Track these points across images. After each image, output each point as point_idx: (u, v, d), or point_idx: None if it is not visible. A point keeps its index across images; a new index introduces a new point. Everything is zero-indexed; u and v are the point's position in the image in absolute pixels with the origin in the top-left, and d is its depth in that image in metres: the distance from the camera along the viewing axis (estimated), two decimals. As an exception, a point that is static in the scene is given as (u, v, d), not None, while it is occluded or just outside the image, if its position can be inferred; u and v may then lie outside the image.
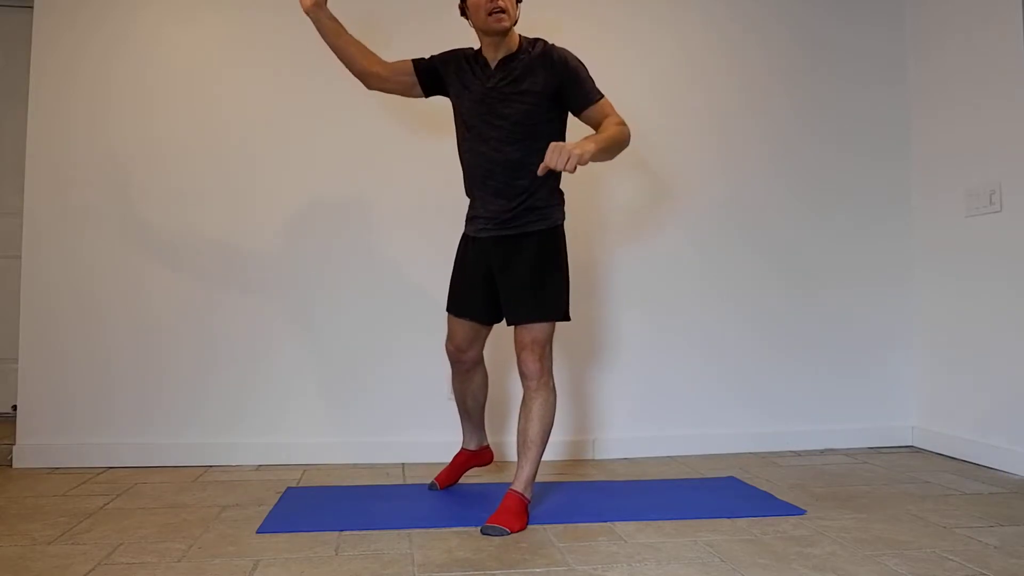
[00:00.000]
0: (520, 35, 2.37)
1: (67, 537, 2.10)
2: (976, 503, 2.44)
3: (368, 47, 2.45)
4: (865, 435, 3.33)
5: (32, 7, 3.04)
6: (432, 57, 2.45)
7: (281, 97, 3.11)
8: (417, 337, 3.05)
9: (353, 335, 3.09)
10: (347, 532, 2.15)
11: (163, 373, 3.02)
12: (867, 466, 2.98)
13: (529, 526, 2.20)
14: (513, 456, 2.49)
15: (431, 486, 2.63)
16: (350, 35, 2.43)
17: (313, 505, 2.43)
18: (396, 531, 2.16)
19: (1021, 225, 2.85)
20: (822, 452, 3.25)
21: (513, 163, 2.30)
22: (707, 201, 3.31)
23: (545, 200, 2.34)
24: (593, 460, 3.13)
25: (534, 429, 2.28)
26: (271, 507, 2.40)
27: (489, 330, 2.52)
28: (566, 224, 2.42)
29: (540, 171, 2.15)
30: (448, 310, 2.50)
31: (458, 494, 2.59)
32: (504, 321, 2.39)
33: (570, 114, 2.39)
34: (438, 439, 2.96)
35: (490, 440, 2.78)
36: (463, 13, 2.37)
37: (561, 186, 2.39)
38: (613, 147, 2.26)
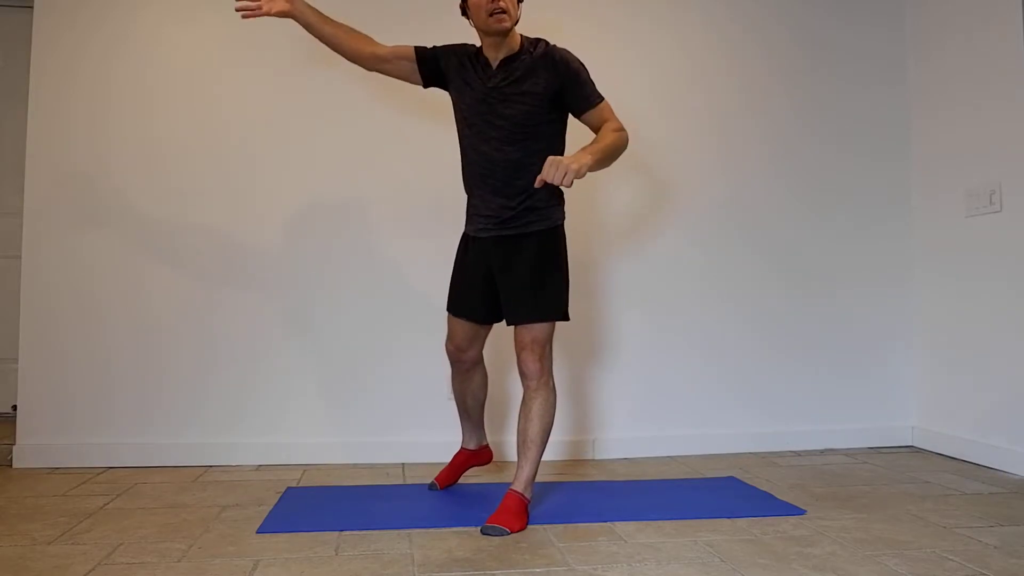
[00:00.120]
0: (521, 35, 2.37)
1: (67, 537, 2.10)
2: (976, 503, 2.44)
3: (358, 30, 2.44)
4: (865, 435, 3.33)
5: (32, 7, 3.04)
6: (435, 48, 2.44)
7: (281, 97, 3.11)
8: (417, 337, 3.05)
9: (353, 335, 3.09)
10: (347, 532, 2.15)
11: (163, 373, 3.02)
12: (867, 466, 2.98)
13: (529, 526, 2.20)
14: (513, 456, 2.49)
15: (431, 486, 2.63)
16: (335, 22, 2.42)
17: (313, 505, 2.43)
18: (396, 531, 2.16)
19: (1021, 225, 2.85)
20: (822, 452, 3.25)
21: (513, 163, 2.30)
22: (707, 201, 3.31)
23: (545, 200, 2.34)
24: (593, 460, 3.13)
25: (534, 429, 2.28)
26: (271, 507, 2.40)
27: (489, 330, 2.52)
28: (566, 224, 2.42)
29: (537, 184, 2.17)
30: (448, 310, 2.50)
31: (458, 494, 2.59)
32: (504, 321, 2.39)
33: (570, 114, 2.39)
34: (438, 439, 2.96)
35: (490, 440, 2.79)
36: (464, 13, 2.37)
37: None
38: (610, 156, 2.28)
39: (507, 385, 3.07)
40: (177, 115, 3.07)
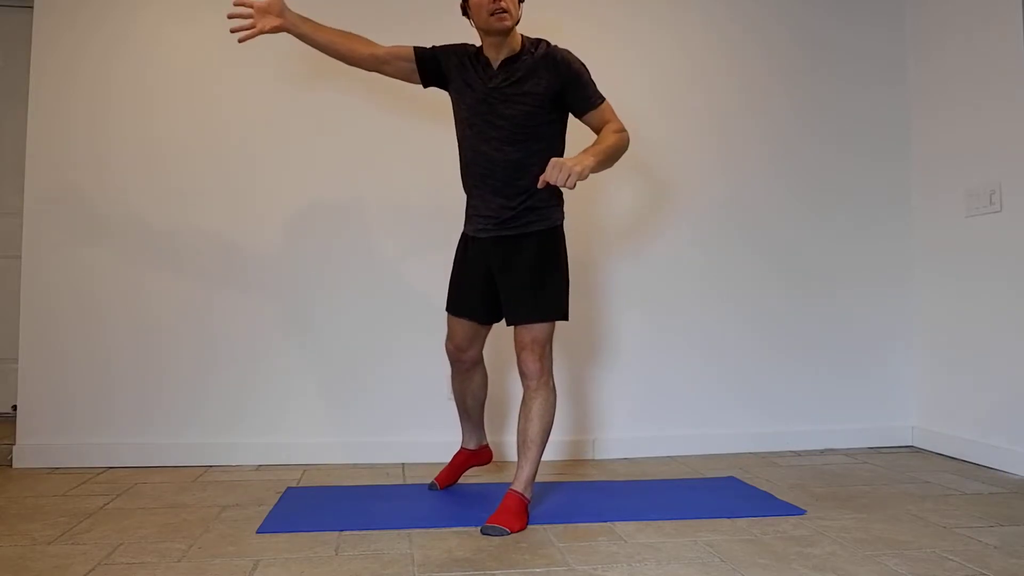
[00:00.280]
0: (522, 35, 2.37)
1: (67, 537, 2.10)
2: (976, 503, 2.44)
3: (353, 32, 2.44)
4: (865, 435, 3.33)
5: (32, 7, 3.04)
6: (434, 48, 2.44)
7: (281, 97, 3.11)
8: (417, 337, 3.05)
9: (353, 335, 3.09)
10: (347, 532, 2.15)
11: (163, 373, 3.02)
12: (867, 466, 2.98)
13: (529, 526, 2.20)
14: (513, 456, 2.49)
15: (431, 486, 2.63)
16: (330, 28, 2.41)
17: (313, 505, 2.43)
18: (396, 531, 2.16)
19: (1021, 225, 2.85)
20: (822, 452, 3.25)
21: (513, 163, 2.31)
22: (707, 201, 3.31)
23: (545, 200, 2.34)
24: (593, 460, 3.13)
25: (534, 429, 2.28)
26: (271, 507, 2.40)
27: (488, 329, 2.52)
28: (566, 224, 2.42)
29: (540, 185, 2.18)
30: (448, 310, 2.50)
31: (458, 494, 2.59)
32: (504, 321, 2.39)
33: (571, 114, 2.40)
34: (438, 439, 2.96)
35: (490, 440, 2.79)
36: (465, 13, 2.36)
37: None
38: (612, 157, 2.29)
39: (507, 385, 3.07)
40: (177, 115, 3.07)
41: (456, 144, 2.44)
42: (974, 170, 3.06)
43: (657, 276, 3.26)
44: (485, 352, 2.57)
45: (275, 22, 2.35)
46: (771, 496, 2.53)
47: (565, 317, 2.34)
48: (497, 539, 2.09)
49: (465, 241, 2.48)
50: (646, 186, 3.29)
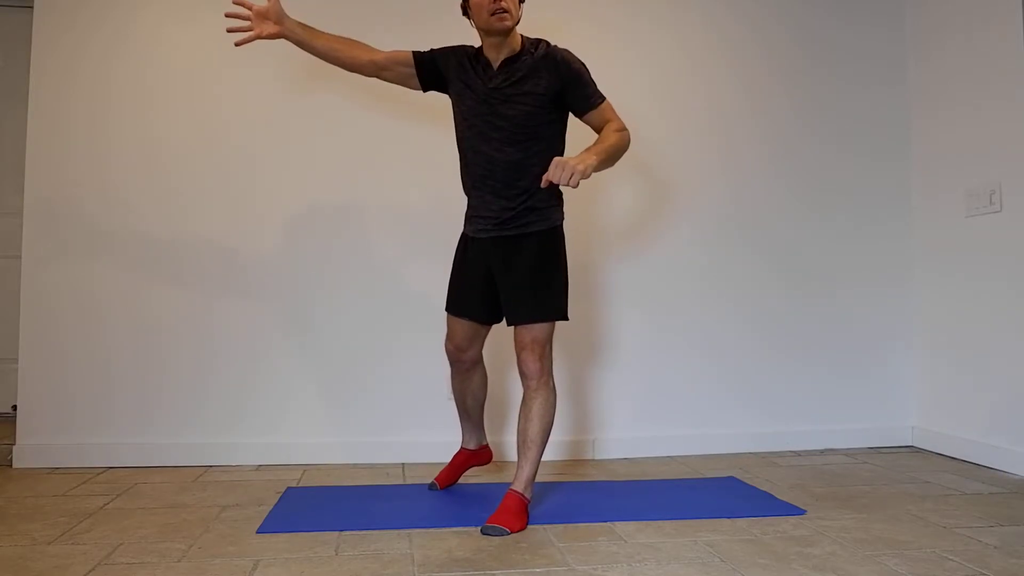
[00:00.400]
0: (522, 36, 2.36)
1: (67, 537, 2.10)
2: (976, 503, 2.44)
3: (352, 38, 2.45)
4: (865, 435, 3.33)
5: (32, 7, 3.04)
6: (432, 51, 2.44)
7: (281, 97, 3.11)
8: (417, 337, 3.05)
9: (353, 335, 3.09)
10: (347, 532, 2.15)
11: (163, 373, 3.02)
12: (867, 466, 2.98)
13: (529, 526, 2.20)
14: (513, 456, 2.49)
15: (431, 486, 2.63)
16: (327, 34, 2.42)
17: (313, 505, 2.43)
18: (396, 531, 2.16)
19: (1021, 225, 2.85)
20: (822, 452, 3.25)
21: (514, 164, 2.30)
22: (707, 201, 3.31)
23: (545, 201, 2.34)
24: (593, 460, 3.13)
25: (534, 429, 2.28)
26: (271, 507, 2.40)
27: (488, 330, 2.52)
28: (566, 224, 2.42)
29: (543, 184, 2.18)
30: (447, 310, 2.50)
31: (458, 494, 2.59)
32: (504, 321, 2.39)
33: (571, 114, 2.39)
34: (438, 439, 2.96)
35: (490, 440, 2.79)
36: (465, 13, 2.36)
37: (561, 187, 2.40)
38: (614, 156, 2.29)
39: (507, 385, 3.07)
40: (177, 115, 3.07)
41: (456, 144, 2.44)
42: (974, 170, 3.06)
43: (657, 276, 3.26)
44: (485, 352, 2.57)
45: (273, 28, 2.36)
46: (771, 496, 2.53)
47: (565, 317, 2.34)
48: (497, 539, 2.09)
49: (465, 241, 2.48)
50: (646, 186, 3.29)
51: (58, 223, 3.00)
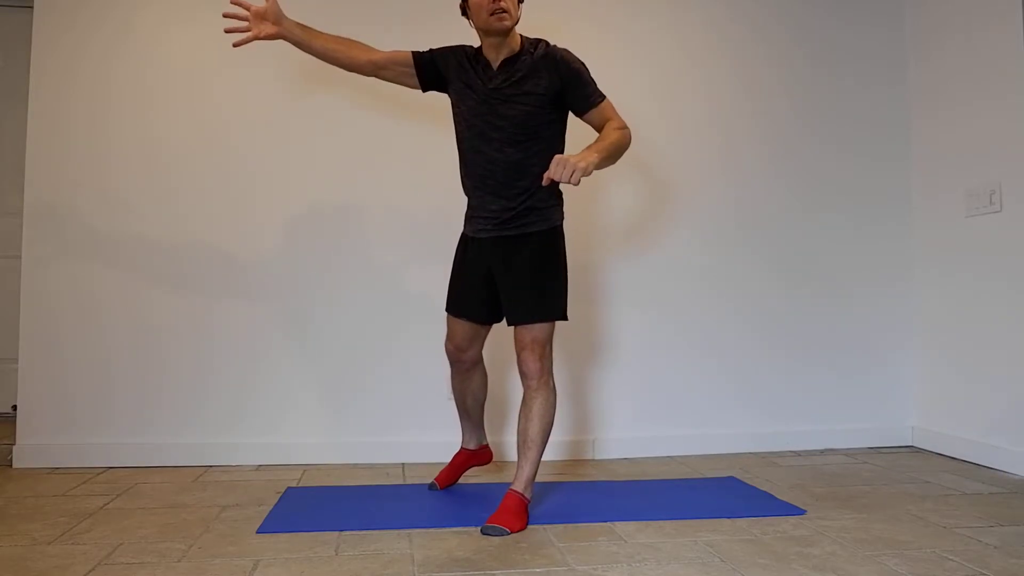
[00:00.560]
0: (521, 36, 2.36)
1: (67, 537, 2.10)
2: (976, 503, 2.44)
3: (351, 38, 2.44)
4: (865, 435, 3.33)
5: (32, 7, 3.04)
6: (432, 51, 2.44)
7: (281, 97, 3.11)
8: (417, 337, 3.05)
9: (353, 336, 3.09)
10: (347, 532, 2.15)
11: (163, 373, 3.02)
12: (867, 466, 2.98)
13: (529, 526, 2.20)
14: (513, 456, 2.49)
15: (431, 486, 2.63)
16: (326, 35, 2.42)
17: (313, 505, 2.43)
18: (396, 531, 2.16)
19: (1021, 225, 2.85)
20: (822, 452, 3.25)
21: (514, 164, 2.30)
22: (707, 201, 3.31)
23: (545, 201, 2.34)
24: (593, 460, 3.13)
25: (534, 429, 2.28)
26: (271, 507, 2.40)
27: (488, 330, 2.52)
28: (566, 224, 2.42)
29: (544, 182, 2.17)
30: (447, 310, 2.50)
31: (458, 494, 2.59)
32: (504, 321, 2.39)
33: (571, 114, 2.39)
34: (438, 439, 2.96)
35: (490, 440, 2.78)
36: (464, 13, 2.36)
37: (560, 186, 2.40)
38: (615, 154, 2.28)
39: (507, 385, 3.07)
40: (177, 115, 3.07)
41: (455, 145, 2.44)
42: (974, 170, 3.06)
43: (657, 276, 3.26)
44: (485, 352, 2.57)
45: (271, 29, 2.36)
46: (771, 496, 2.53)
47: (565, 317, 2.34)
48: (497, 539, 2.09)
49: (465, 242, 2.48)
50: (646, 186, 3.29)
51: (58, 223, 3.00)
